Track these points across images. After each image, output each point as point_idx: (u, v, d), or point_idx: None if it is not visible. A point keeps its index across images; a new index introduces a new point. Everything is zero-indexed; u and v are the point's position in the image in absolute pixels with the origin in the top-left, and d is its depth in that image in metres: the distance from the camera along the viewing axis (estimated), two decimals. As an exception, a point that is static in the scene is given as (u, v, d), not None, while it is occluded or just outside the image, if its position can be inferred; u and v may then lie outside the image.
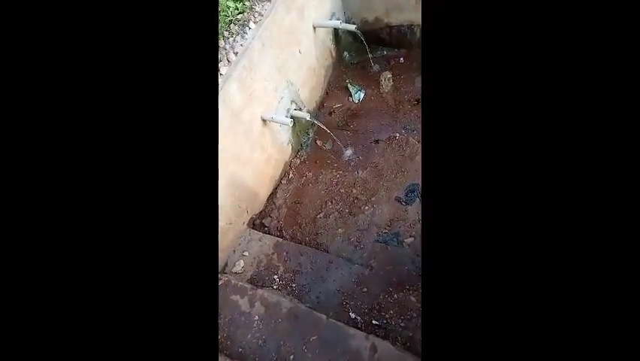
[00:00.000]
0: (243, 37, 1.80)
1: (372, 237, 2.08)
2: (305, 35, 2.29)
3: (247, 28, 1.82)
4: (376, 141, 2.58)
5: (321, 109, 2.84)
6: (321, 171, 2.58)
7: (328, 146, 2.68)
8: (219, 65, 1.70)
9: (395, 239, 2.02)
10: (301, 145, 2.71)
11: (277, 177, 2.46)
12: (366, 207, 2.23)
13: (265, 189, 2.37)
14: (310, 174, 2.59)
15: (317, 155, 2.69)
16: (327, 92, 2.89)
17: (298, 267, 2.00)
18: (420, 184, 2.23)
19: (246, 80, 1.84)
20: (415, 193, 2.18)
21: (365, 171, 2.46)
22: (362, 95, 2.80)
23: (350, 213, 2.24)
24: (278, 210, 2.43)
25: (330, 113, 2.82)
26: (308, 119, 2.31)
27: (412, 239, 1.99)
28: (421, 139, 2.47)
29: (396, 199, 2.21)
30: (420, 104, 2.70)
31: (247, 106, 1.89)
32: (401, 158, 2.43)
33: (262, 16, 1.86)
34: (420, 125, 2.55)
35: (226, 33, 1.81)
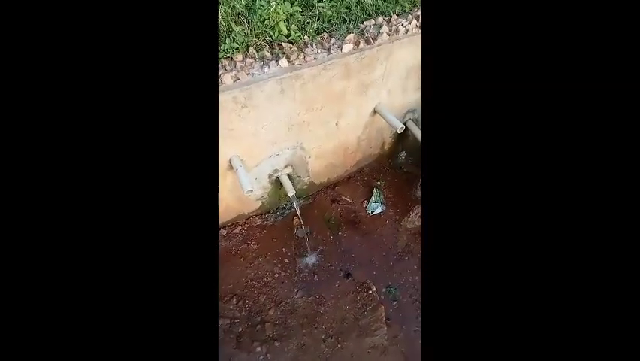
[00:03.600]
0: (262, 68, 1.31)
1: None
2: (355, 111, 1.75)
3: (276, 63, 1.32)
4: (347, 275, 1.92)
5: (328, 188, 2.26)
6: (267, 254, 1.98)
7: (300, 233, 2.08)
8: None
9: None
10: (276, 208, 2.14)
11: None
12: (259, 349, 1.57)
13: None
14: (255, 247, 2.00)
15: (281, 231, 2.10)
16: (349, 177, 2.31)
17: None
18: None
19: (230, 114, 1.33)
20: (324, 388, 1.47)
21: (305, 299, 1.81)
22: (379, 211, 2.17)
23: (238, 337, 1.60)
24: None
25: (332, 200, 2.22)
26: (290, 195, 1.74)
27: None
28: (392, 323, 1.74)
29: (298, 372, 1.53)
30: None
31: (211, 140, 1.38)
32: (352, 322, 1.74)
33: (306, 62, 1.36)
34: (407, 306, 1.82)
35: (251, 50, 1.33)
